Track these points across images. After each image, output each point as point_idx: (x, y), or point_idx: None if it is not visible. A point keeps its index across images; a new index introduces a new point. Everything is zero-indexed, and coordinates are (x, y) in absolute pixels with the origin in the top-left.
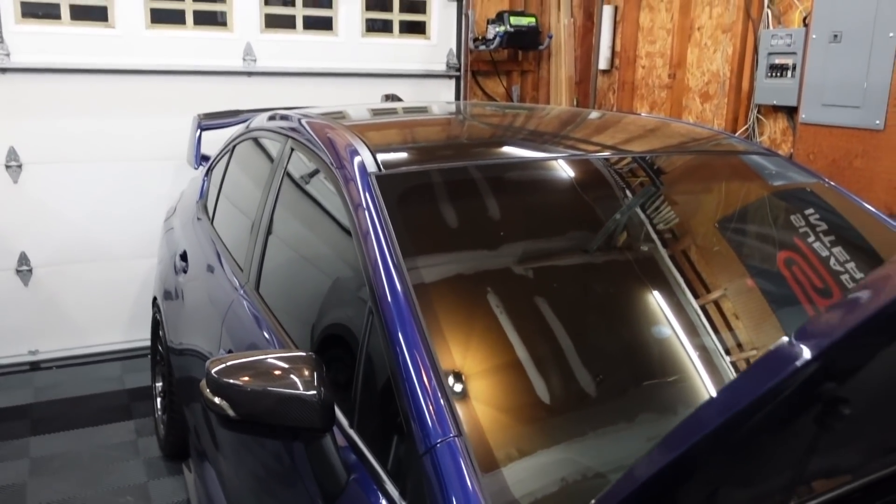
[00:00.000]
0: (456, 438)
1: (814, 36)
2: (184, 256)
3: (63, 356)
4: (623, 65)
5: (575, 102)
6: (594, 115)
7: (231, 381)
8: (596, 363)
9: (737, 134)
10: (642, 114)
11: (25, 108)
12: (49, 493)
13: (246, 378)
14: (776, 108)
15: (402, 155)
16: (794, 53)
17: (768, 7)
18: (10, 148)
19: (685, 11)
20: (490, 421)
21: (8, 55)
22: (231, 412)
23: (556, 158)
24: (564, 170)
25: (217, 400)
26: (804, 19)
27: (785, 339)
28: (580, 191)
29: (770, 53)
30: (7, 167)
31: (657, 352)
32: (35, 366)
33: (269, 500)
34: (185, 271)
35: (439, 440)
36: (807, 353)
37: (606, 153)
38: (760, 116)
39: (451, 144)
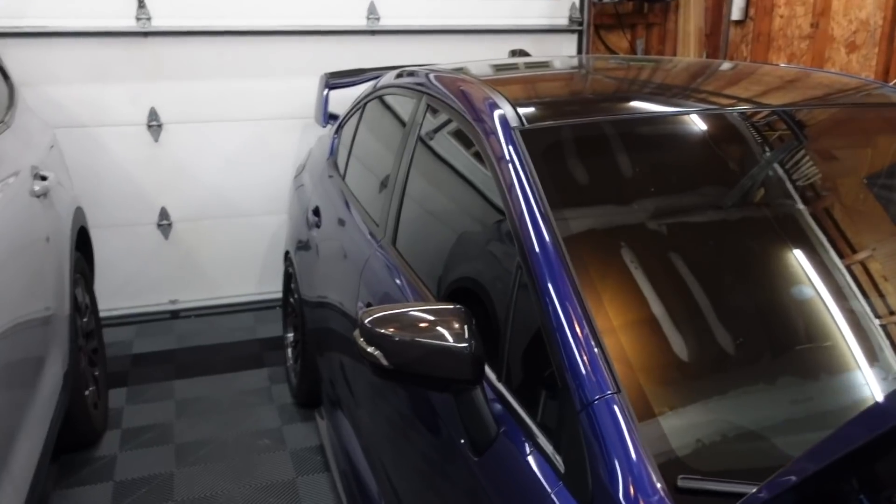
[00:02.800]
0: (615, 395)
1: None
2: (316, 212)
3: (200, 306)
4: (759, 14)
5: (704, 56)
6: (732, 66)
7: (384, 331)
8: (743, 322)
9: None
10: (781, 65)
11: (165, 70)
12: (194, 433)
13: (398, 329)
14: None
15: (544, 109)
16: None
17: None
18: (151, 108)
19: None
20: (646, 378)
21: (149, 19)
22: (384, 361)
23: (702, 112)
24: (708, 124)
25: (370, 349)
26: None
27: None
28: (727, 146)
29: None
30: (149, 127)
31: (802, 314)
32: (175, 314)
33: (408, 448)
34: (318, 226)
35: (597, 397)
36: None
37: (752, 106)
38: None
39: (589, 99)
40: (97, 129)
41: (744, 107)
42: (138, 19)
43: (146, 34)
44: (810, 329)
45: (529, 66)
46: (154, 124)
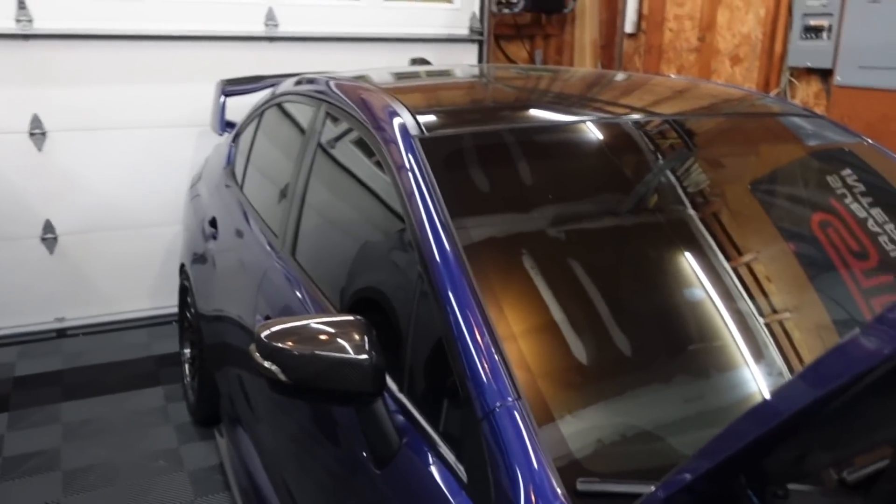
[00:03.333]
0: (516, 402)
1: None
2: (213, 223)
3: (90, 323)
4: (650, 28)
5: (599, 67)
6: (626, 76)
7: (281, 345)
8: (639, 326)
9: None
10: (672, 76)
11: (48, 75)
12: (83, 458)
13: (296, 342)
14: (810, 71)
15: (444, 118)
16: (830, 14)
17: None
18: (33, 115)
19: None
20: (546, 383)
21: (31, 21)
22: (282, 377)
23: (598, 121)
24: (604, 132)
25: (268, 364)
26: None
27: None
28: (622, 153)
29: (805, 14)
30: (31, 135)
31: (693, 315)
32: (62, 333)
33: (311, 462)
34: (214, 238)
35: (498, 404)
36: None
37: (647, 115)
38: (793, 79)
39: (489, 107)
40: None
41: (637, 115)
42: (18, 21)
43: (27, 37)
44: (701, 329)
45: (430, 74)
46: (37, 132)
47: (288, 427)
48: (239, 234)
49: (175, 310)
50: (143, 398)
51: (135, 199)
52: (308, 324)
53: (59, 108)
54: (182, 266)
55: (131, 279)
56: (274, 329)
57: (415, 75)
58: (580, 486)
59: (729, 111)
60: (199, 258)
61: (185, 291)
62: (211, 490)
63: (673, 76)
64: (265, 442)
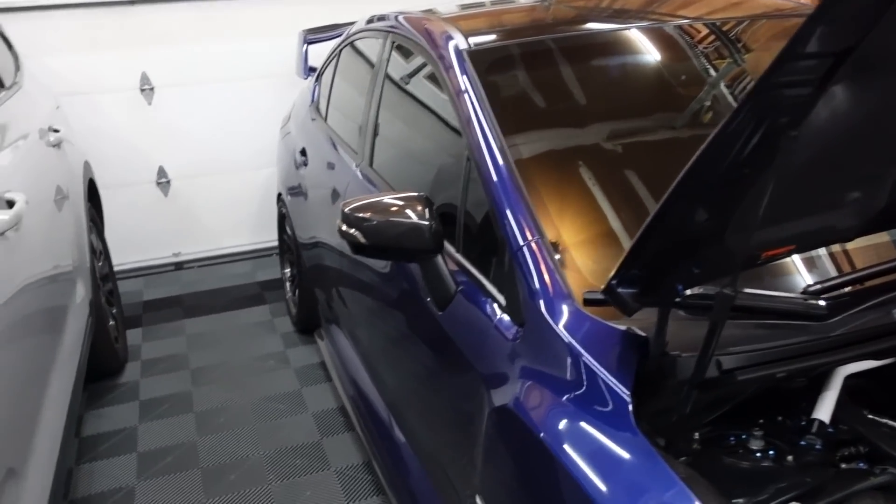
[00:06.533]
0: (539, 239)
1: None
2: (303, 152)
3: (201, 257)
4: None
5: None
6: None
7: (361, 215)
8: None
9: None
10: None
11: (152, 35)
12: (206, 359)
13: (374, 213)
14: None
15: (491, 35)
16: None
17: None
18: (142, 73)
19: None
20: (562, 229)
21: None
22: (363, 240)
23: (643, 28)
24: (654, 41)
25: (351, 231)
26: None
27: None
28: (670, 62)
29: None
30: (142, 90)
31: None
32: (179, 266)
33: (389, 329)
34: (305, 165)
35: (525, 241)
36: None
37: (693, 21)
38: None
39: (535, 24)
40: (95, 95)
41: (683, 21)
42: None
43: (132, 2)
44: None
45: (494, 2)
46: (146, 88)
47: (372, 315)
48: (325, 157)
49: (274, 243)
50: (251, 315)
51: (232, 144)
52: (381, 199)
53: (163, 65)
54: (279, 196)
55: (234, 217)
56: (355, 204)
57: (479, 5)
58: (586, 296)
59: (791, 12)
60: (293, 185)
61: (282, 218)
62: (313, 381)
63: None
64: (356, 332)
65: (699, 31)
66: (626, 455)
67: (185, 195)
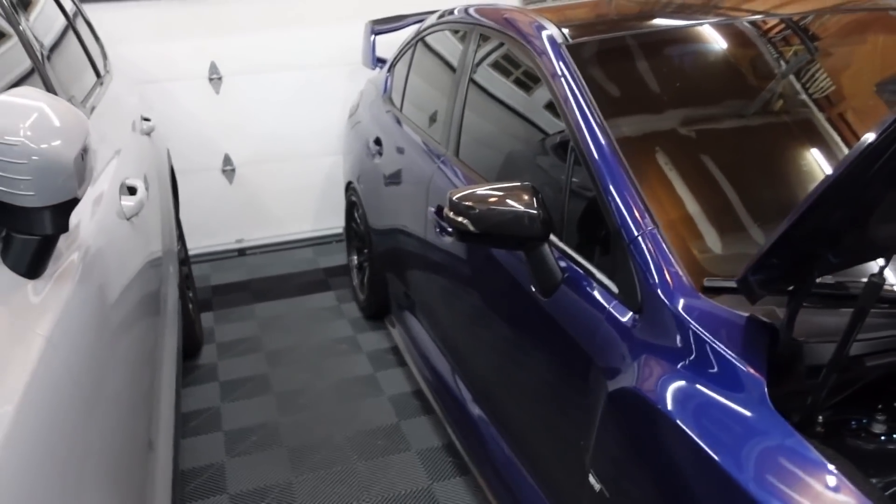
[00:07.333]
0: (654, 229)
1: None
2: (377, 141)
3: (264, 243)
4: None
5: None
6: None
7: (470, 203)
8: (763, 187)
9: None
10: None
11: (221, 26)
12: (279, 342)
13: (480, 202)
14: None
15: (582, 27)
16: None
17: None
18: (211, 62)
19: None
20: (678, 217)
21: None
22: (471, 228)
23: (722, 22)
24: (743, 34)
25: (459, 219)
26: None
27: None
28: (746, 54)
29: None
30: (210, 79)
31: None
32: (242, 252)
33: (481, 316)
34: (380, 154)
35: (642, 231)
36: None
37: (775, 16)
38: None
39: (621, 18)
40: (167, 83)
41: (761, 16)
42: None
43: None
44: None
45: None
46: (214, 77)
47: (457, 300)
48: (403, 147)
49: (337, 230)
50: (318, 300)
51: (296, 133)
52: (488, 188)
53: (231, 54)
54: (349, 184)
55: (297, 204)
56: (463, 193)
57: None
58: (707, 283)
59: (865, 6)
60: (366, 174)
61: (352, 206)
62: (386, 366)
63: None
64: (436, 317)
65: (767, 24)
66: (764, 432)
67: (250, 182)
